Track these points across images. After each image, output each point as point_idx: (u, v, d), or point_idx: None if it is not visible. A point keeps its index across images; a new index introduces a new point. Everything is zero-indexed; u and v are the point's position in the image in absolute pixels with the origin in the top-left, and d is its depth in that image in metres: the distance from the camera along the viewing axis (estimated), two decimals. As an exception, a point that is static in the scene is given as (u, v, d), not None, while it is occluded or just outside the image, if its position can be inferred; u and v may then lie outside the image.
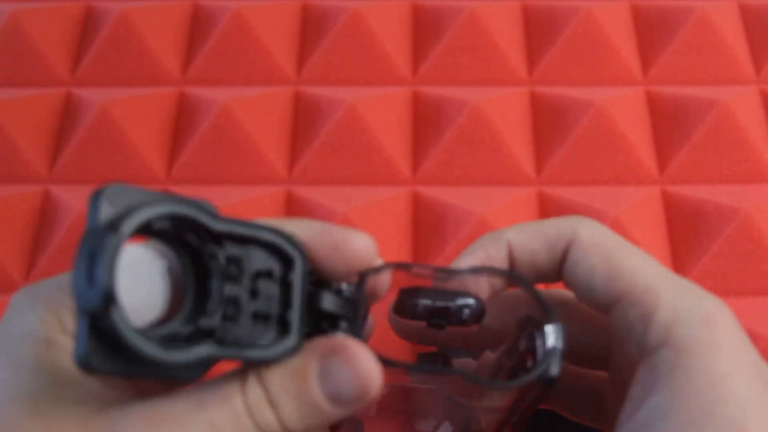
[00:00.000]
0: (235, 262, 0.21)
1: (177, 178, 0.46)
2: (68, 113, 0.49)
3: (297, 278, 0.22)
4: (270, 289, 0.22)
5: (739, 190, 0.45)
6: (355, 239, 0.23)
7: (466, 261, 0.27)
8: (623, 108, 0.47)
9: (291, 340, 0.22)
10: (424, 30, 0.51)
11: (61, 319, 0.22)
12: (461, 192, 0.45)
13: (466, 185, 0.45)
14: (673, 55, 0.50)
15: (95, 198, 0.19)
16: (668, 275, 0.24)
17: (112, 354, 0.19)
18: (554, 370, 0.24)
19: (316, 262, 0.23)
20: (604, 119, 0.46)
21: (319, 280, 0.23)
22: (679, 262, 0.43)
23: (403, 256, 0.43)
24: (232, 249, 0.21)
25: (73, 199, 0.44)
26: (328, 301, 0.23)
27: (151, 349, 0.19)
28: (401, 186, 0.46)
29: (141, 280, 0.20)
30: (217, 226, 0.21)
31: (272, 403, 0.21)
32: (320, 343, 0.22)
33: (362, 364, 0.21)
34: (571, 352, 0.26)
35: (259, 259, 0.22)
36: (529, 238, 0.26)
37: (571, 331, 0.26)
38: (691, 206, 0.44)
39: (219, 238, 0.21)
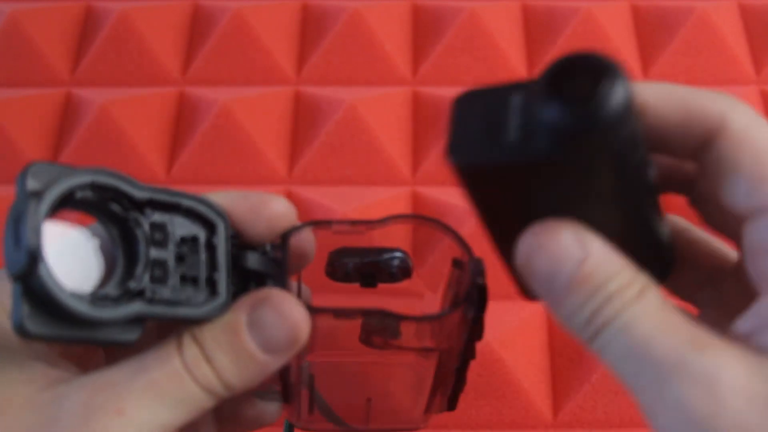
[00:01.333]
0: (159, 228, 0.22)
1: (177, 178, 0.46)
2: (68, 113, 0.49)
3: (221, 241, 0.23)
4: (196, 253, 0.23)
5: (739, 190, 0.45)
6: (272, 202, 0.24)
7: None
8: (623, 108, 0.47)
9: (220, 298, 0.23)
10: (424, 30, 0.51)
11: (3, 303, 0.22)
12: (461, 192, 0.45)
13: (466, 185, 0.46)
14: (673, 55, 0.50)
15: (21, 175, 0.20)
16: None
17: (48, 318, 0.20)
18: (475, 304, 0.24)
19: (239, 227, 0.24)
20: (604, 119, 0.46)
21: (243, 243, 0.24)
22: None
23: (403, 256, 0.43)
24: (156, 216, 0.22)
25: (73, 199, 0.45)
26: (253, 260, 0.24)
27: (80, 306, 0.20)
28: (401, 186, 0.46)
29: (74, 259, 0.21)
30: (139, 194, 0.22)
31: (208, 359, 0.21)
32: (248, 296, 0.23)
33: (290, 310, 0.22)
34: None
35: (183, 226, 0.23)
36: (667, 105, 0.22)
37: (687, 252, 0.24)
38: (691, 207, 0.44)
39: (142, 206, 0.22)
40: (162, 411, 0.21)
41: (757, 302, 0.20)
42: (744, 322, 0.20)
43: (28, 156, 0.46)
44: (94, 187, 0.21)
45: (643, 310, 0.20)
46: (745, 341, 0.20)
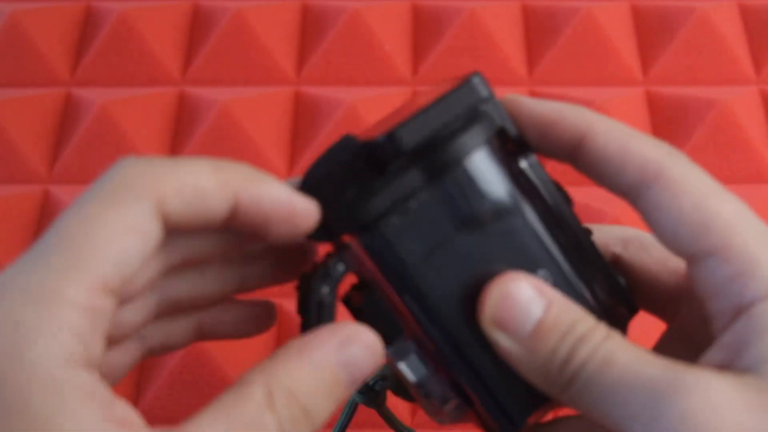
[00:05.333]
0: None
1: (177, 178, 0.46)
2: (68, 113, 0.49)
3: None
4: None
5: (739, 190, 0.45)
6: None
7: (535, 106, 0.24)
8: (623, 108, 0.47)
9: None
10: (424, 30, 0.51)
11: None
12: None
13: (466, 185, 0.46)
14: (673, 55, 0.50)
15: None
16: (764, 227, 0.22)
17: None
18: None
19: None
20: (604, 119, 0.46)
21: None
22: (679, 262, 0.43)
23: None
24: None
25: (72, 199, 0.44)
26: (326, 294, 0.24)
27: None
28: (401, 186, 0.46)
29: None
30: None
31: (306, 413, 0.20)
32: (324, 332, 0.21)
33: (372, 341, 0.22)
34: (641, 293, 0.25)
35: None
36: (608, 145, 0.23)
37: (645, 271, 0.25)
38: (691, 206, 0.44)
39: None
40: None
41: (719, 338, 0.21)
42: (714, 355, 0.21)
43: (28, 156, 0.46)
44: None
45: (619, 345, 0.21)
46: (720, 369, 0.20)
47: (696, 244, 0.21)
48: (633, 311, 0.25)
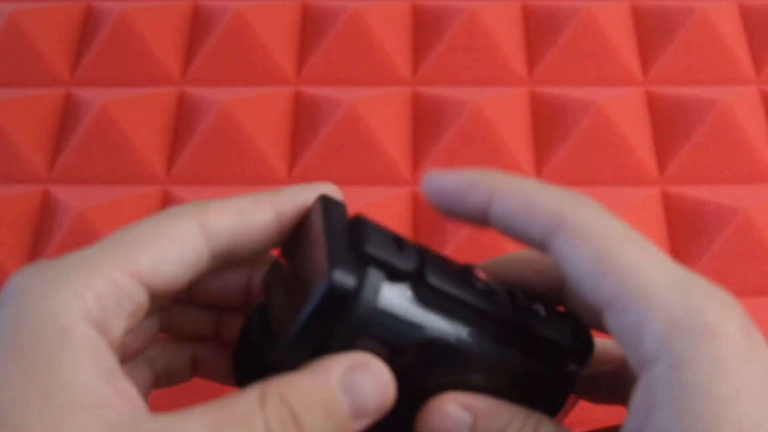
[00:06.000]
0: None
1: (177, 178, 0.46)
2: (68, 113, 0.49)
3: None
4: None
5: (739, 190, 0.45)
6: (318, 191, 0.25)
7: (448, 179, 0.25)
8: (623, 108, 0.47)
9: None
10: (424, 30, 0.51)
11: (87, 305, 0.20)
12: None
13: (466, 185, 0.45)
14: (673, 55, 0.50)
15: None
16: (669, 271, 0.21)
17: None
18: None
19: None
20: (604, 119, 0.46)
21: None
22: (679, 262, 0.43)
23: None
24: None
25: (73, 200, 0.44)
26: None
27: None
28: (401, 186, 0.46)
29: None
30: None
31: (297, 422, 0.20)
32: (338, 357, 0.22)
33: (386, 376, 0.22)
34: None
35: None
36: (513, 203, 0.23)
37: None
38: (691, 207, 0.44)
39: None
40: None
41: (630, 403, 0.21)
42: (628, 425, 0.21)
43: (28, 156, 0.47)
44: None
45: None
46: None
47: (595, 293, 0.21)
48: (588, 351, 0.26)
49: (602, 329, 0.24)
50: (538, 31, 0.51)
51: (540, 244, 0.23)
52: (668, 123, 0.47)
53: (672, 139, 0.47)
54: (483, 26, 0.50)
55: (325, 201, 0.24)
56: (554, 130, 0.47)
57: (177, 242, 0.22)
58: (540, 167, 0.46)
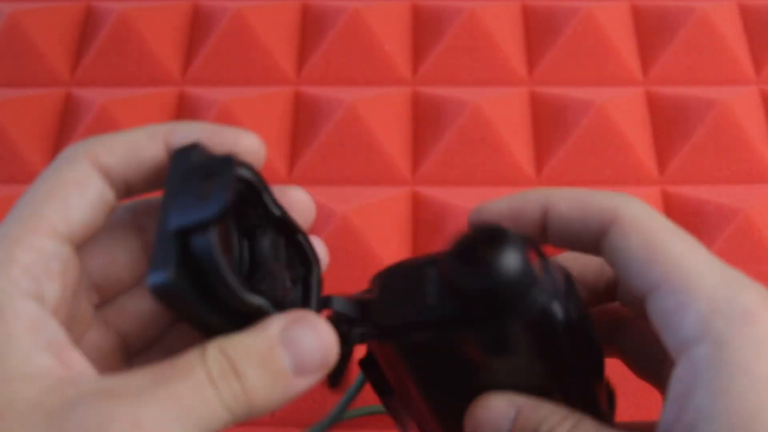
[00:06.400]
0: (274, 246, 0.23)
1: (177, 178, 0.46)
2: (68, 113, 0.49)
3: (314, 283, 0.25)
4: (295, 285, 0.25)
5: (739, 190, 0.45)
6: (242, 137, 0.24)
7: (498, 206, 0.26)
8: (623, 108, 0.47)
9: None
10: (424, 30, 0.51)
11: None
12: (461, 192, 0.45)
13: (466, 185, 0.45)
14: (673, 55, 0.50)
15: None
16: (711, 262, 0.22)
17: (186, 283, 0.20)
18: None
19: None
20: (604, 119, 0.46)
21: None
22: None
23: (403, 255, 0.43)
24: (270, 234, 0.23)
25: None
26: (338, 303, 0.25)
27: (231, 279, 0.20)
28: (401, 186, 0.46)
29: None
30: (274, 210, 0.23)
31: (237, 374, 0.20)
32: (281, 314, 0.22)
33: (326, 332, 0.22)
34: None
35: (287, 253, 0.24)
36: (568, 206, 0.25)
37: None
38: (691, 206, 0.44)
39: (269, 221, 0.23)
40: (180, 428, 0.19)
41: (668, 391, 0.22)
42: (666, 414, 0.22)
43: (28, 156, 0.47)
44: (246, 181, 0.22)
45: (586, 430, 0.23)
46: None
47: (643, 279, 0.23)
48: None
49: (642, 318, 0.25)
50: (538, 31, 0.51)
51: (593, 244, 0.24)
52: (668, 123, 0.47)
53: (672, 139, 0.47)
54: (483, 26, 0.50)
55: (177, 154, 0.23)
56: (554, 130, 0.47)
57: (75, 186, 0.22)
58: (540, 167, 0.46)
